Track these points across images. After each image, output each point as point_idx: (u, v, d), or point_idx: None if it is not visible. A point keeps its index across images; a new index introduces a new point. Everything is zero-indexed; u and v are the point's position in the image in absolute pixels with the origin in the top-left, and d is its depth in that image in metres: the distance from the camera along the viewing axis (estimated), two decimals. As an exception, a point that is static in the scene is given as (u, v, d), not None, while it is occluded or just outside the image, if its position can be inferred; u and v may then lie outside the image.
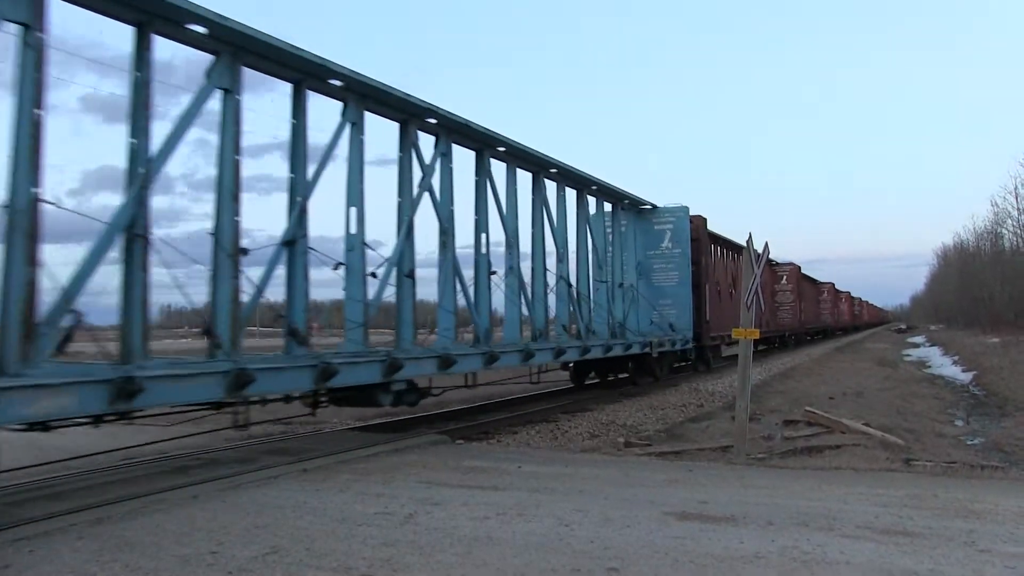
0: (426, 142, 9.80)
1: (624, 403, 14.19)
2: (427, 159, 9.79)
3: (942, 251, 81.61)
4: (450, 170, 10.18)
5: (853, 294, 72.24)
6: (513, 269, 11.68)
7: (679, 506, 5.52)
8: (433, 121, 9.76)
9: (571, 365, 15.73)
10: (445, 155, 10.12)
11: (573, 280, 13.77)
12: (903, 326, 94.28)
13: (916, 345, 50.28)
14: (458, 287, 10.33)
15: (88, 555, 4.37)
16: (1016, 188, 45.62)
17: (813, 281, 45.72)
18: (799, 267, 37.09)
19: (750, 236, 9.05)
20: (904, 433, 10.38)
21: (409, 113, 9.39)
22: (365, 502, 5.68)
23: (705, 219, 19.99)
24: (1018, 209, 45.82)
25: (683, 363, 19.64)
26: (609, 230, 16.23)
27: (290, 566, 4.17)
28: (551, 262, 13.21)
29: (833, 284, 51.93)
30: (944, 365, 29.99)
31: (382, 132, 9.50)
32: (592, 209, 15.09)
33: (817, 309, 45.99)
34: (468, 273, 10.75)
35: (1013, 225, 47.21)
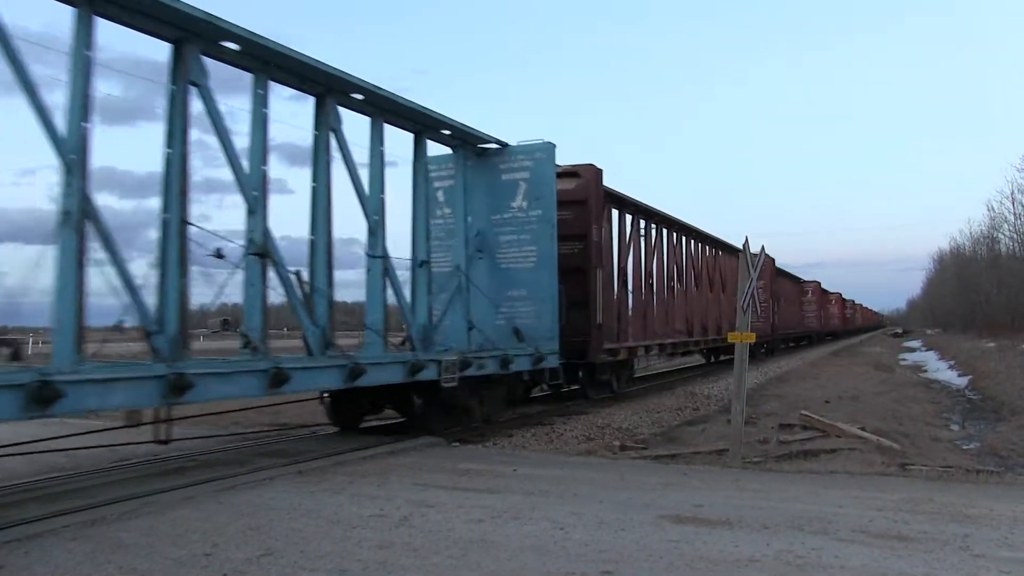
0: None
1: (620, 406, 14.17)
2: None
3: (938, 255, 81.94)
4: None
5: (845, 295, 66.61)
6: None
7: (674, 509, 5.52)
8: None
9: (326, 397, 9.63)
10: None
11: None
12: (899, 330, 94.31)
13: (912, 349, 50.43)
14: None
15: (82, 556, 4.36)
16: (1013, 193, 45.90)
17: (793, 279, 39.71)
18: (773, 260, 30.04)
19: (746, 240, 9.08)
20: (900, 437, 10.39)
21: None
22: (360, 504, 5.67)
23: (599, 171, 13.38)
24: (1014, 214, 46.10)
25: (560, 388, 13.46)
26: (442, 185, 11.34)
27: (284, 568, 4.17)
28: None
29: (819, 283, 45.96)
30: (940, 369, 30.07)
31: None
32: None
33: (800, 312, 40.43)
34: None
35: (1009, 230, 47.49)
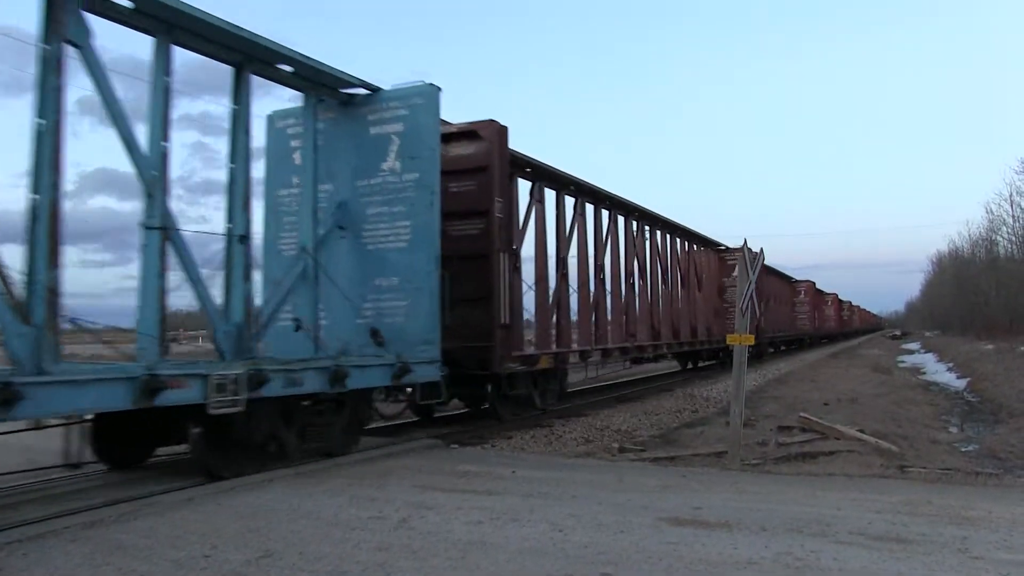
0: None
1: (618, 408, 14.18)
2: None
3: (937, 257, 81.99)
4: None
5: (843, 297, 63.72)
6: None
7: (673, 512, 5.52)
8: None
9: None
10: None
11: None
12: (898, 332, 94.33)
13: (911, 351, 50.45)
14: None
15: (81, 558, 4.36)
16: (1011, 195, 45.87)
17: (785, 278, 36.99)
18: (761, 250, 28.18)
19: (744, 242, 9.10)
20: (898, 439, 10.40)
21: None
22: (359, 506, 5.67)
23: (503, 130, 10.65)
24: (1013, 216, 46.08)
25: (430, 405, 10.19)
26: (299, 145, 8.90)
27: (283, 570, 4.17)
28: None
29: (813, 283, 43.62)
30: (939, 371, 30.09)
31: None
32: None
33: (791, 313, 37.80)
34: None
35: (1008, 232, 47.46)
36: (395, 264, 8.72)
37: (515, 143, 11.18)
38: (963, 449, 11.27)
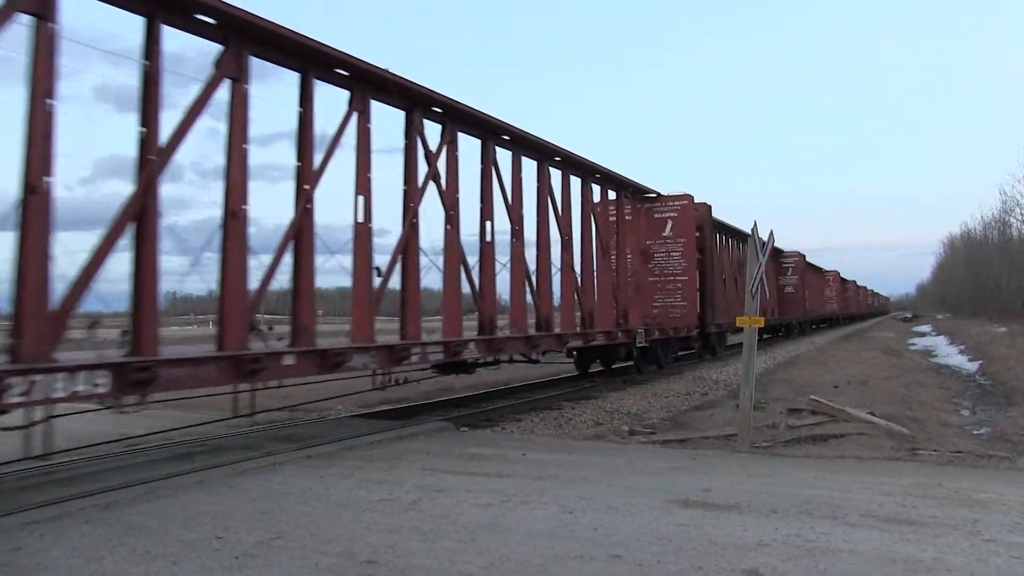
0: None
1: (628, 391, 14.20)
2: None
3: (949, 240, 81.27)
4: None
5: (853, 282, 60.63)
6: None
7: (682, 494, 5.52)
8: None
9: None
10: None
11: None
12: (909, 315, 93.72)
13: (922, 334, 50.14)
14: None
15: (96, 539, 4.41)
16: (1025, 176, 45.27)
17: (776, 253, 29.89)
18: (709, 208, 19.72)
19: (755, 225, 9.03)
20: (909, 422, 10.36)
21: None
22: (369, 488, 5.71)
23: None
24: (1027, 197, 45.51)
25: None
26: None
27: (295, 551, 4.20)
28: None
29: (803, 256, 35.74)
30: (950, 354, 29.89)
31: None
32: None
33: (775, 294, 29.91)
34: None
35: (1021, 214, 46.93)
36: None
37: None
38: (975, 432, 11.21)
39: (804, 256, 36.03)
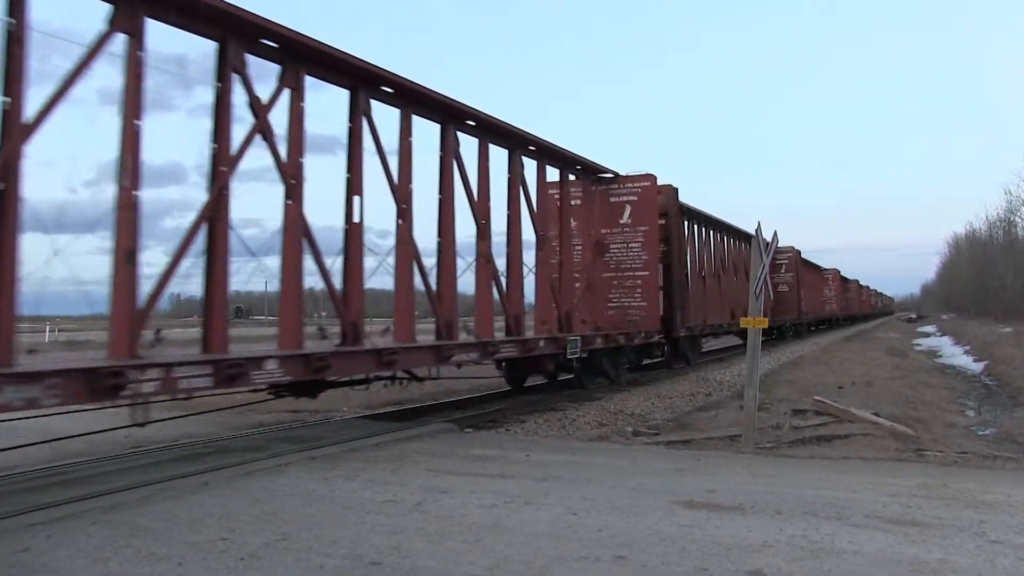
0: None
1: (632, 392, 14.18)
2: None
3: (953, 240, 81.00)
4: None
5: (859, 284, 59.34)
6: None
7: (687, 495, 5.52)
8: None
9: None
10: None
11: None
12: (914, 315, 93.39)
13: (926, 334, 50.00)
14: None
15: (101, 540, 4.42)
16: (1030, 176, 45.12)
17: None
18: (676, 190, 16.66)
19: (759, 225, 9.02)
20: (914, 423, 10.33)
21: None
22: (374, 490, 5.71)
23: None
24: (1031, 197, 45.37)
25: None
26: None
27: (300, 553, 4.21)
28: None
29: (798, 252, 33.06)
30: (955, 355, 29.80)
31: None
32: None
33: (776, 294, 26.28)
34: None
35: (1026, 213, 46.76)
36: None
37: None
38: (980, 433, 11.16)
39: (799, 252, 33.11)
